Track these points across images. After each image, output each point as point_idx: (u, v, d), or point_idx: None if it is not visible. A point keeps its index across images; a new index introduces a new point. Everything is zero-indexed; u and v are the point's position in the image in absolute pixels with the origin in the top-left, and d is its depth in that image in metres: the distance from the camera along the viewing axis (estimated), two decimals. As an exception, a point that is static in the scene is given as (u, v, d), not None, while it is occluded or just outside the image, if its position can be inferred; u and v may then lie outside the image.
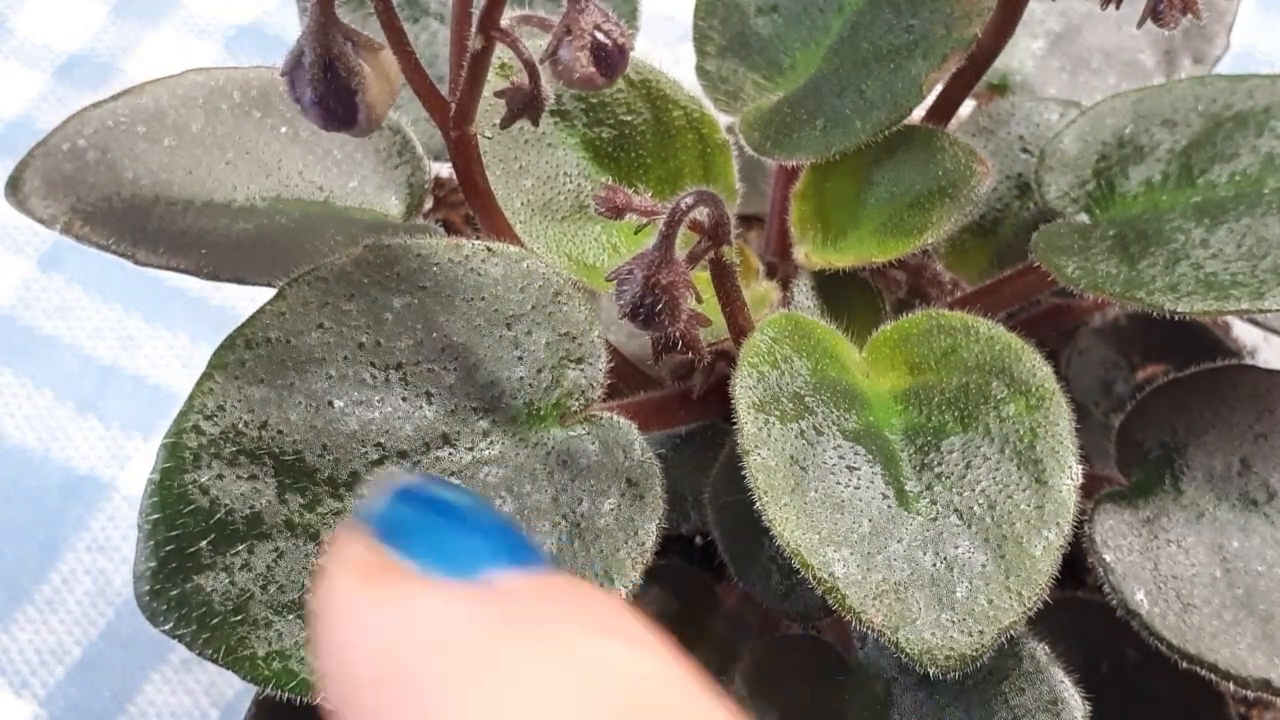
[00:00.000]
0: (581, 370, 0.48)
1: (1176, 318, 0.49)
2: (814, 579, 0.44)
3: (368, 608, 0.30)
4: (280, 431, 0.45)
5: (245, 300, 0.87)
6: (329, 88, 0.40)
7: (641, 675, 0.28)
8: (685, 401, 0.54)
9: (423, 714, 0.28)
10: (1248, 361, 0.66)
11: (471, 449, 0.47)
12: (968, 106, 0.61)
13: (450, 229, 0.72)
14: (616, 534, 0.46)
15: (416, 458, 0.46)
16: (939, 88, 0.55)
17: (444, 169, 0.61)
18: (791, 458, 0.46)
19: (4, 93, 0.97)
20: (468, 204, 0.51)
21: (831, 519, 0.45)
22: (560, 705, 0.27)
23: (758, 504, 0.45)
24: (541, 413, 0.48)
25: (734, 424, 0.46)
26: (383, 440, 0.46)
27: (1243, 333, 0.71)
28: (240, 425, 0.45)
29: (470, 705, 0.27)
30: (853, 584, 0.44)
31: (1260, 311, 0.50)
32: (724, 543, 0.53)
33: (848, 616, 0.44)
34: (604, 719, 0.26)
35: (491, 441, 0.47)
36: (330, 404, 0.46)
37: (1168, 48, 0.65)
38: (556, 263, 0.53)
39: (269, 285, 0.50)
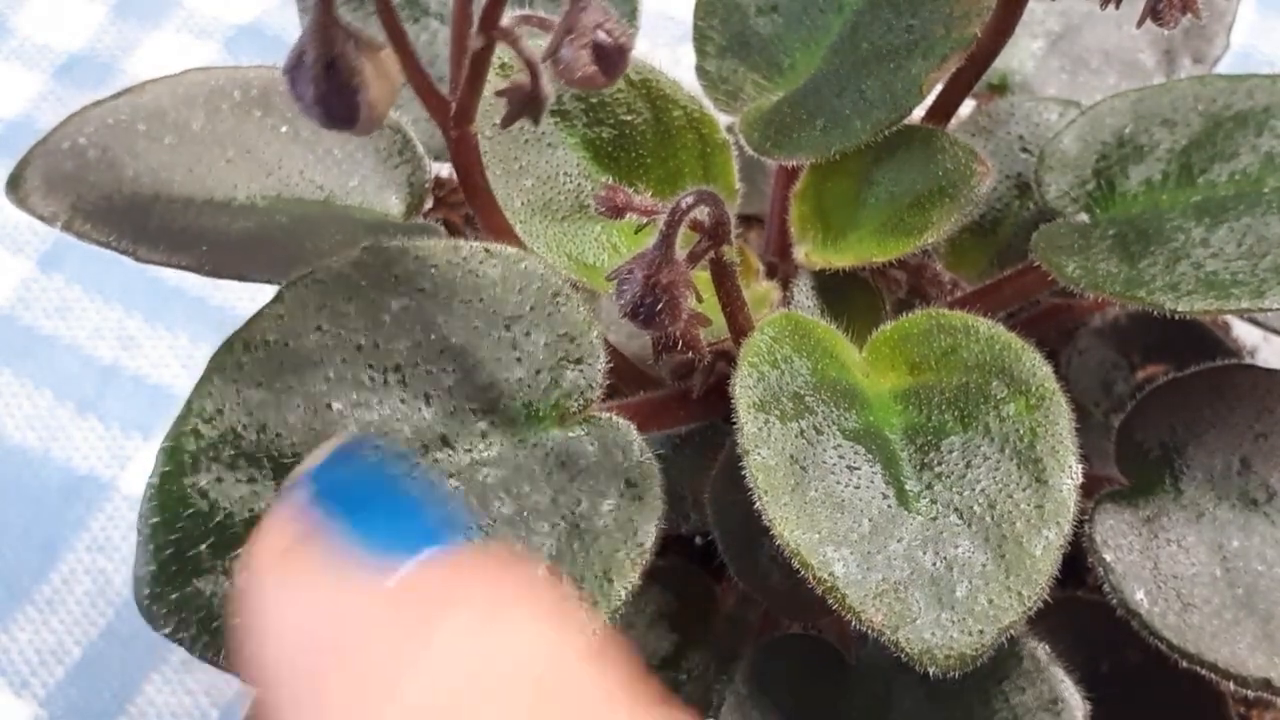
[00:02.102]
0: (580, 371, 0.48)
1: (1177, 317, 0.49)
2: (814, 578, 0.44)
3: (293, 590, 0.32)
4: (279, 434, 0.45)
5: (245, 300, 0.87)
6: (330, 86, 0.40)
7: (548, 645, 0.31)
8: (685, 401, 0.54)
9: (354, 688, 0.29)
10: (1248, 361, 0.66)
11: (470, 450, 0.47)
12: (967, 106, 0.61)
13: (450, 229, 0.72)
14: (615, 534, 0.46)
15: (415, 459, 0.46)
16: (939, 88, 0.55)
17: (444, 169, 0.61)
18: (791, 457, 0.46)
19: (4, 93, 0.98)
20: (468, 204, 0.51)
21: (831, 518, 0.45)
22: (478, 680, 0.29)
23: (757, 503, 0.45)
24: (540, 413, 0.48)
25: (734, 424, 0.46)
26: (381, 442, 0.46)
27: (1243, 332, 0.71)
28: (239, 428, 0.45)
29: (403, 679, 0.29)
30: (852, 583, 0.44)
31: (1260, 310, 0.50)
32: (724, 542, 0.53)
33: (847, 616, 0.44)
34: (517, 692, 0.29)
35: (490, 443, 0.47)
36: (329, 406, 0.46)
37: (1168, 48, 0.65)
38: (556, 262, 0.53)
39: (269, 283, 0.50)
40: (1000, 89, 0.66)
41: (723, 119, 0.59)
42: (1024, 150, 0.61)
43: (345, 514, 0.33)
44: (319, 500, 0.34)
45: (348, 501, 0.34)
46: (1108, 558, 0.51)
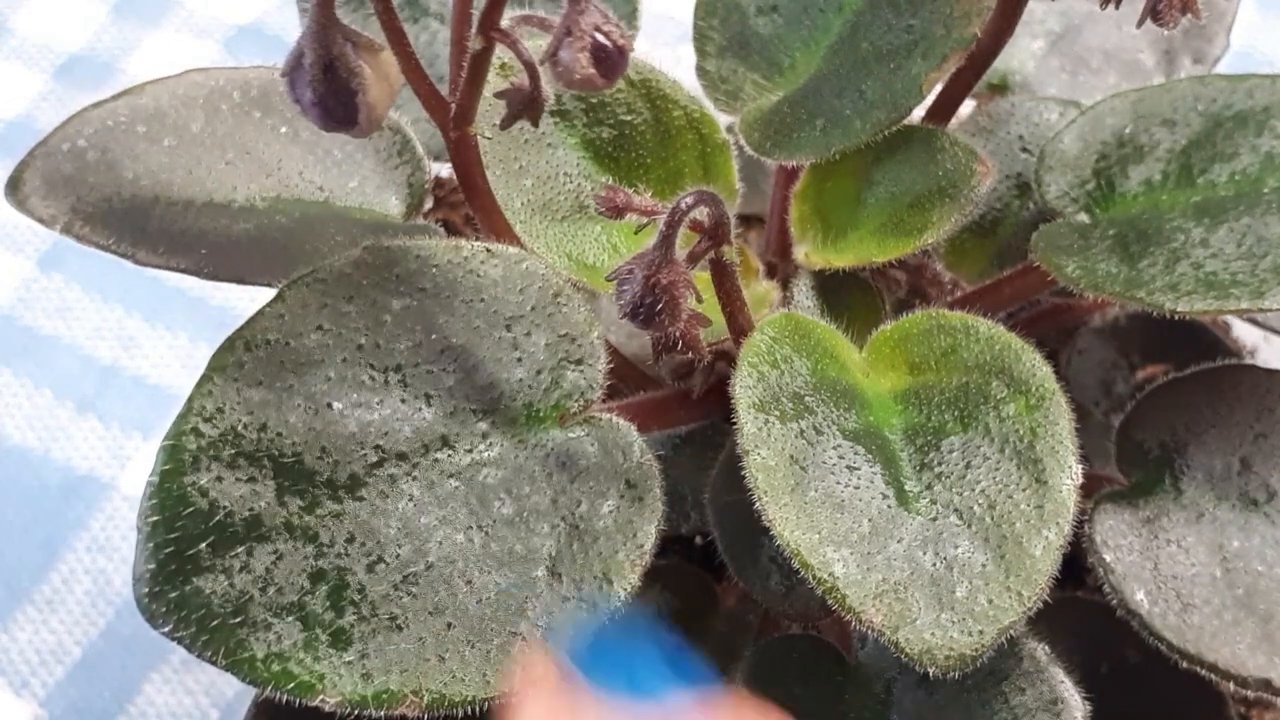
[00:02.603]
0: (581, 371, 0.48)
1: (1176, 317, 0.49)
2: (814, 579, 0.44)
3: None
4: (279, 434, 0.45)
5: (245, 300, 0.87)
6: (329, 89, 0.40)
7: None
8: (685, 401, 0.54)
9: None
10: (1248, 361, 0.66)
11: (470, 451, 0.47)
12: (968, 106, 0.61)
13: (450, 229, 0.72)
14: (615, 536, 0.46)
15: (415, 459, 0.46)
16: (939, 88, 0.55)
17: (444, 169, 0.61)
18: (791, 457, 0.46)
19: (4, 93, 0.97)
20: (468, 204, 0.51)
21: (831, 519, 0.45)
22: None
23: (757, 504, 0.45)
24: (541, 414, 0.48)
25: (734, 424, 0.46)
26: (381, 442, 0.46)
27: (1243, 333, 0.71)
28: (239, 427, 0.45)
29: None
30: (852, 584, 0.44)
31: (1260, 311, 0.50)
32: (724, 543, 0.53)
33: (847, 616, 0.44)
34: None
35: (491, 443, 0.47)
36: (329, 406, 0.46)
37: (1168, 48, 0.65)
38: (556, 263, 0.53)
39: (268, 285, 0.50)
40: (1001, 89, 0.66)
41: (723, 119, 0.59)
42: (1024, 150, 0.61)
43: (591, 670, 0.36)
44: (566, 661, 0.37)
45: (590, 660, 0.37)
46: (1108, 558, 0.51)
